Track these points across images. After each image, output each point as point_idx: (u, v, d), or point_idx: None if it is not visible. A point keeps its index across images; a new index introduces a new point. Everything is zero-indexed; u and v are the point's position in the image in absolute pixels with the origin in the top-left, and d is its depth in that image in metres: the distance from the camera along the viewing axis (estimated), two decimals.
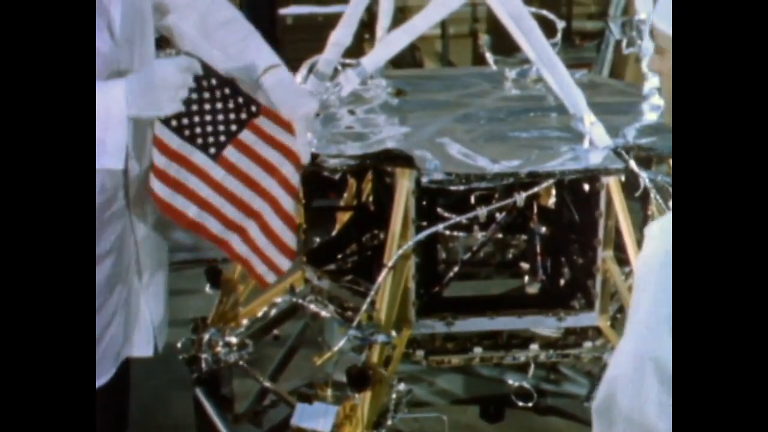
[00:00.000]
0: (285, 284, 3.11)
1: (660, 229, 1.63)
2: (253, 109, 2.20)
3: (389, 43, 2.96)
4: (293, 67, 3.01)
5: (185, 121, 2.15)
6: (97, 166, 2.07)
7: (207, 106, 2.16)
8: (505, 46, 3.40)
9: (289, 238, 2.32)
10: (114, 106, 2.02)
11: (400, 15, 4.22)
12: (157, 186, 2.18)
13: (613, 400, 1.63)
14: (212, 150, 2.19)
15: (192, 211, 2.24)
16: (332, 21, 3.08)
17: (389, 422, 2.52)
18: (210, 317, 3.03)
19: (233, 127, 2.19)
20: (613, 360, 1.69)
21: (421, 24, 2.95)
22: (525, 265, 3.24)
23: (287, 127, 2.26)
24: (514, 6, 2.76)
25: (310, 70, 2.99)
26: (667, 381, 1.56)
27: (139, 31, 2.20)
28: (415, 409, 2.78)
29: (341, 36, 2.99)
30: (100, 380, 2.23)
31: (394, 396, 2.54)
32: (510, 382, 2.94)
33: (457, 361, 2.76)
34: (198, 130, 2.17)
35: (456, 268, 3.03)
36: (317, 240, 3.21)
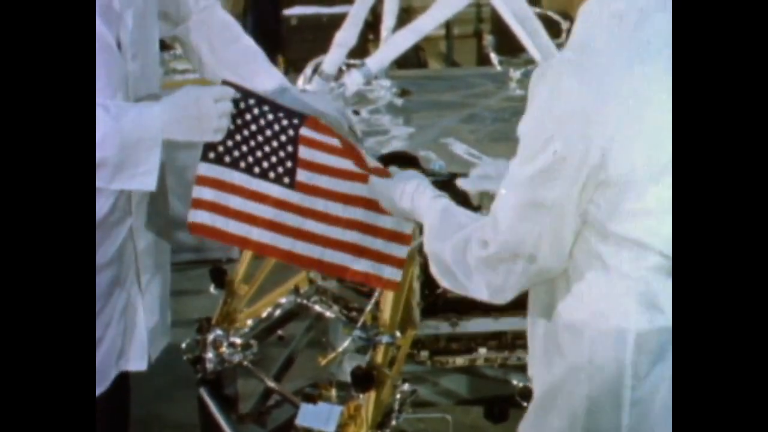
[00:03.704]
0: (289, 285, 3.12)
1: None
2: (296, 121, 2.11)
3: (394, 44, 2.96)
4: (297, 67, 3.02)
5: (250, 159, 2.11)
6: (130, 188, 2.10)
7: (259, 137, 2.10)
8: (510, 46, 3.40)
9: (400, 226, 2.16)
10: (148, 129, 2.03)
11: (405, 15, 4.22)
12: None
13: None
14: (287, 180, 2.12)
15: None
16: (337, 21, 3.09)
17: (393, 423, 2.52)
18: (214, 318, 3.03)
19: (290, 148, 2.11)
20: None
21: (426, 24, 2.95)
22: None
23: (328, 131, 2.15)
24: (519, 6, 2.77)
25: (315, 70, 2.99)
26: None
27: (144, 42, 2.20)
28: (420, 410, 2.78)
29: (346, 36, 2.99)
30: (98, 389, 2.22)
31: (398, 396, 2.54)
32: (514, 382, 2.93)
33: (461, 362, 2.76)
34: (265, 164, 2.11)
35: None
36: None
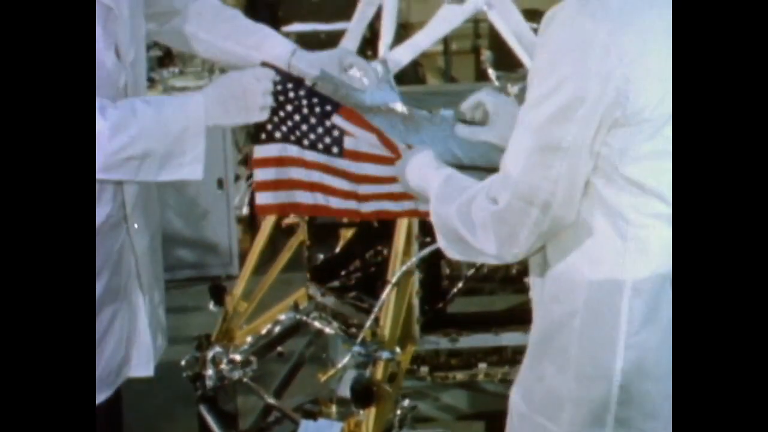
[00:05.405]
0: (288, 301, 3.12)
1: None
2: (329, 107, 2.13)
3: (392, 60, 2.97)
4: None
5: (298, 132, 2.12)
6: (176, 178, 2.08)
7: (304, 110, 2.12)
8: (507, 61, 3.41)
9: None
10: (192, 117, 2.04)
11: (403, 31, 4.23)
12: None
13: None
14: (335, 149, 2.13)
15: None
16: (335, 38, 3.09)
17: None
18: (214, 334, 3.03)
19: (335, 118, 2.13)
20: None
21: (424, 40, 2.96)
22: (529, 280, 3.24)
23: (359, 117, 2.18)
24: (516, 22, 2.78)
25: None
26: None
27: (136, 48, 2.21)
28: (420, 425, 2.78)
29: None
30: (99, 398, 2.22)
31: (398, 412, 2.53)
32: None
33: (461, 377, 2.76)
34: (312, 136, 2.13)
35: (460, 284, 3.03)
36: (321, 257, 3.21)
